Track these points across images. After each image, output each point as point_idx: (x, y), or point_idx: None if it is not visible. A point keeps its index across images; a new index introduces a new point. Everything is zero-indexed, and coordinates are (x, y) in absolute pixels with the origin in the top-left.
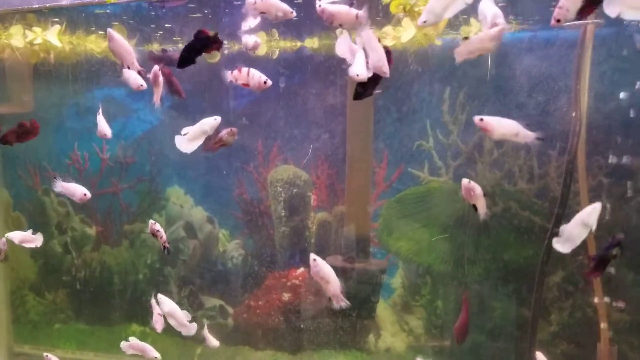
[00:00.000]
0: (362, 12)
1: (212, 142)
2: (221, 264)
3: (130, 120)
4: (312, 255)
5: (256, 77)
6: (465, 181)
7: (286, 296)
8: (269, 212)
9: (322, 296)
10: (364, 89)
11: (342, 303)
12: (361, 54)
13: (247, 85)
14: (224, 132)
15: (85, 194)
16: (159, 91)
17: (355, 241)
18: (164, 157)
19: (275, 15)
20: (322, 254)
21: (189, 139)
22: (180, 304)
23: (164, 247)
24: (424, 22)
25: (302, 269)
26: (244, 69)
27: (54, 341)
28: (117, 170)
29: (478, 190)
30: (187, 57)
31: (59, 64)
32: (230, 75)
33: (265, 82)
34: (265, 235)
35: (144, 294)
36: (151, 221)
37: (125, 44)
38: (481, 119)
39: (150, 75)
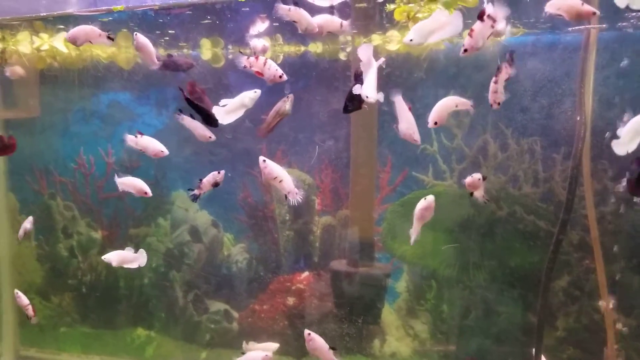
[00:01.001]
0: (346, 22)
1: (267, 123)
2: (226, 268)
3: (136, 125)
4: (261, 157)
5: (272, 68)
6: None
7: (291, 300)
8: (273, 216)
9: (327, 300)
10: (353, 103)
11: (298, 197)
12: (374, 76)
13: (260, 74)
14: (279, 104)
15: (146, 192)
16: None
17: (360, 245)
18: (169, 161)
19: (304, 27)
20: (327, 258)
21: (227, 111)
22: (185, 308)
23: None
24: (411, 40)
25: (306, 273)
26: (262, 58)
27: (60, 344)
28: (122, 174)
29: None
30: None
31: (65, 69)
32: (245, 61)
33: (280, 76)
34: (269, 239)
35: (149, 298)
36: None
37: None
38: None
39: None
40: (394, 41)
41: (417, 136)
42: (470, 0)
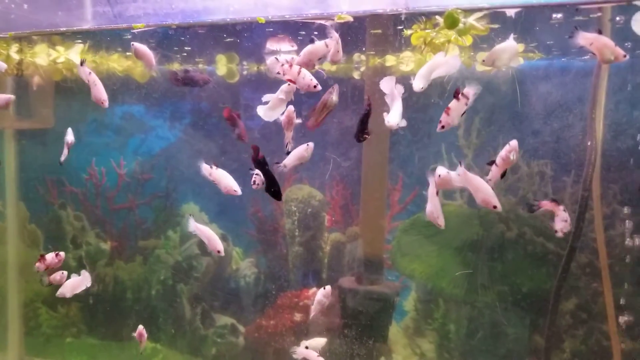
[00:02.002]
0: (329, 40)
1: (315, 116)
2: (234, 282)
3: (149, 137)
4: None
5: (307, 78)
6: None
7: (298, 316)
8: (282, 231)
9: (334, 317)
10: (364, 131)
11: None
12: (399, 105)
13: (292, 82)
14: (325, 96)
15: (235, 190)
16: (289, 135)
17: (369, 262)
18: (180, 174)
19: (301, 85)
20: (335, 274)
21: (269, 108)
22: (192, 321)
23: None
24: (422, 88)
25: (314, 289)
26: (296, 66)
27: (66, 354)
28: (133, 186)
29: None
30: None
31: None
32: (278, 67)
33: (315, 86)
34: (278, 254)
35: (156, 310)
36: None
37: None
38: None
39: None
40: (407, 62)
41: (441, 220)
42: (481, 28)
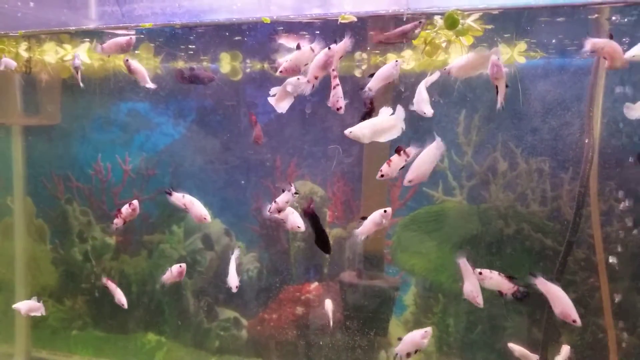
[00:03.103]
0: (314, 44)
1: (390, 35)
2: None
3: (154, 134)
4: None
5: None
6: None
7: (300, 310)
8: (284, 227)
9: (336, 311)
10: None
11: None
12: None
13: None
14: (409, 26)
15: (205, 218)
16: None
17: (370, 258)
18: (184, 169)
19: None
20: (337, 269)
21: (278, 99)
22: (196, 315)
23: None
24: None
25: (316, 284)
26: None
27: (72, 347)
28: (138, 182)
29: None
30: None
31: (87, 78)
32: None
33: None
34: (280, 249)
35: (161, 304)
36: None
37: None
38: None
39: None
40: (409, 60)
41: (480, 299)
42: (478, 29)
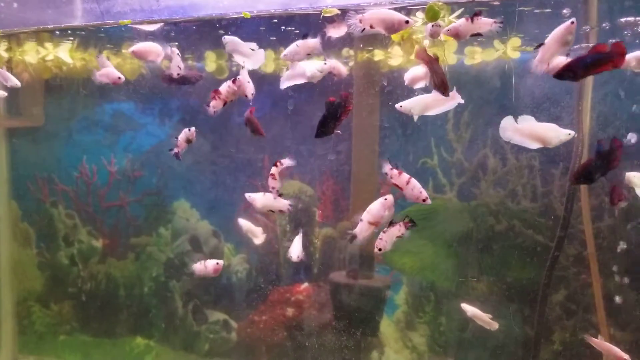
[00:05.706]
0: (300, 42)
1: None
2: (226, 278)
3: (139, 134)
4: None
5: (416, 189)
6: None
7: (290, 311)
8: (274, 227)
9: (326, 312)
10: (325, 128)
11: None
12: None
13: (400, 188)
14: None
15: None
16: None
17: (360, 257)
18: (171, 170)
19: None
20: (327, 269)
21: (289, 76)
22: (184, 318)
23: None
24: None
25: (306, 285)
26: (405, 175)
27: (59, 352)
28: (124, 184)
29: None
30: (325, 130)
31: (69, 79)
32: (388, 170)
33: (424, 200)
34: (269, 250)
35: (149, 307)
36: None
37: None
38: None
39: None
40: (396, 56)
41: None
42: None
